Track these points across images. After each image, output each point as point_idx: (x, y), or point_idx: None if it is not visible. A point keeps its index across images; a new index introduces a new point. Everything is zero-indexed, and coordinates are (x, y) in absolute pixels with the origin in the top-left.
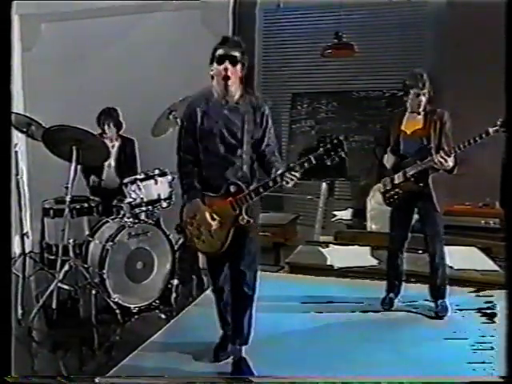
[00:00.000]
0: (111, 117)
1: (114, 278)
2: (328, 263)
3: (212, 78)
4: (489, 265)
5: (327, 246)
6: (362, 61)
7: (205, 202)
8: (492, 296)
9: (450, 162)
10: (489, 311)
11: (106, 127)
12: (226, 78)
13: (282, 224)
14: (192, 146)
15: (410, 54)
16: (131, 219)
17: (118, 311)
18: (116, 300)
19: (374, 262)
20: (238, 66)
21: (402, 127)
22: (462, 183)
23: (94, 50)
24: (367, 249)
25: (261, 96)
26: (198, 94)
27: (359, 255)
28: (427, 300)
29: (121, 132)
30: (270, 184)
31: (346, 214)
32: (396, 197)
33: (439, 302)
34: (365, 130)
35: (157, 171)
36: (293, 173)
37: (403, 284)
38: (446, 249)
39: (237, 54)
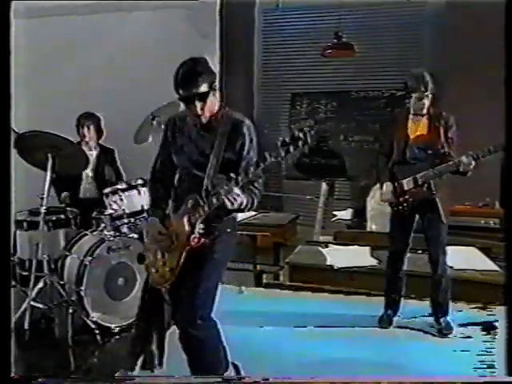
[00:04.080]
0: (92, 120)
1: (93, 296)
2: (328, 263)
3: None
4: (489, 265)
5: (327, 246)
6: (361, 61)
7: (168, 222)
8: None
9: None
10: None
11: (85, 129)
12: (199, 115)
13: (281, 224)
14: (164, 162)
15: (410, 53)
16: (112, 232)
17: (96, 331)
18: (95, 319)
19: (374, 261)
20: (210, 97)
21: (408, 132)
22: (462, 183)
23: (71, 51)
24: (367, 249)
25: (239, 115)
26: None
27: (359, 255)
28: (425, 316)
29: (101, 140)
30: (222, 194)
31: (345, 214)
32: (405, 204)
33: (442, 319)
34: (364, 130)
35: (140, 181)
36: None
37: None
38: (446, 249)
39: (204, 87)
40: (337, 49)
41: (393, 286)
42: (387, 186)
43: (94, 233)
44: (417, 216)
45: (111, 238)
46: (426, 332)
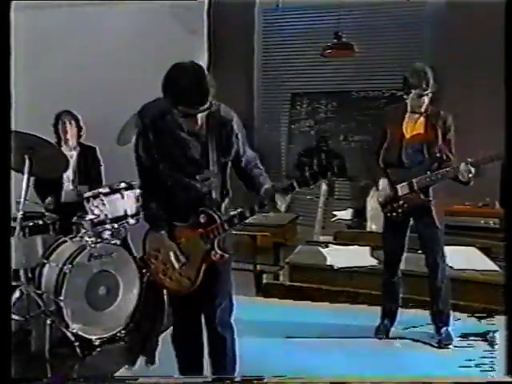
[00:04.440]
0: (72, 116)
1: (73, 306)
2: (328, 263)
3: None
4: (489, 265)
5: (327, 246)
6: (361, 61)
7: (174, 232)
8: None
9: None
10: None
11: (67, 125)
12: (197, 125)
13: (281, 224)
14: (150, 166)
15: (409, 53)
16: (93, 238)
17: (76, 344)
18: (75, 331)
19: (374, 261)
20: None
21: (404, 130)
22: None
23: (47, 45)
24: (367, 249)
25: (225, 110)
26: (153, 104)
27: (359, 255)
28: (423, 325)
29: (81, 139)
30: (247, 214)
31: (345, 214)
32: (400, 210)
33: (442, 329)
34: (364, 130)
35: (123, 184)
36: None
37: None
38: (446, 249)
39: (210, 102)
40: (336, 49)
41: (389, 294)
42: (384, 182)
43: (75, 239)
44: (411, 220)
45: (93, 245)
46: (425, 343)
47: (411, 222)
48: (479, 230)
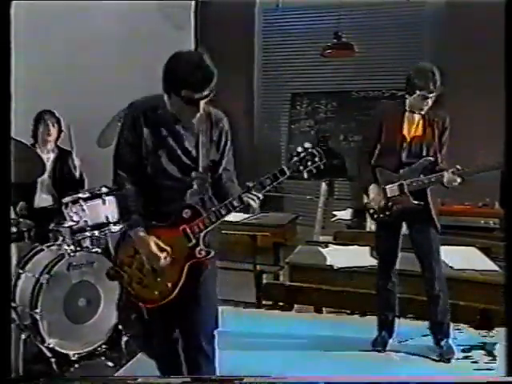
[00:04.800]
0: (55, 117)
1: (50, 319)
2: (328, 263)
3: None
4: (488, 265)
5: (327, 246)
6: (361, 61)
7: (151, 233)
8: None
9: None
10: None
11: (50, 126)
12: (198, 113)
13: (281, 224)
14: (134, 163)
15: (410, 53)
16: (72, 247)
17: (52, 360)
18: (51, 345)
19: (374, 262)
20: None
21: (404, 131)
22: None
23: (21, 38)
24: (367, 249)
25: (216, 110)
26: (143, 99)
27: (359, 255)
28: (425, 335)
29: (59, 142)
30: (235, 203)
31: (345, 214)
32: (388, 213)
33: (443, 342)
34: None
35: (104, 189)
36: (256, 192)
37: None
38: (446, 249)
39: (211, 87)
40: (336, 49)
41: (385, 301)
42: (374, 189)
43: (52, 247)
44: (404, 225)
45: (72, 254)
46: (425, 356)
47: (404, 227)
48: (479, 230)
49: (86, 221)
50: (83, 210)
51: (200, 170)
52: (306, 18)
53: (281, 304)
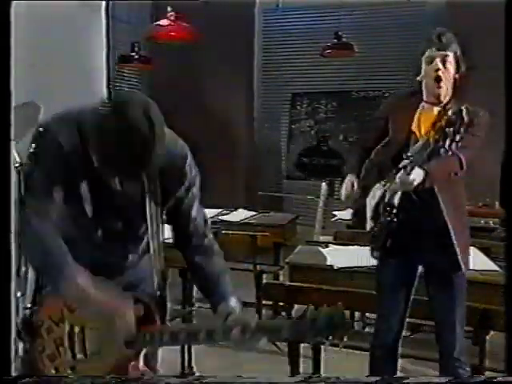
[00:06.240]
0: None
1: None
2: (328, 263)
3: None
4: (488, 265)
5: (327, 246)
6: (361, 61)
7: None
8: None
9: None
10: None
11: None
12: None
13: (281, 224)
14: (56, 205)
15: (410, 53)
16: None
17: None
18: None
19: (374, 262)
20: None
21: (413, 127)
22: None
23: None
24: (367, 249)
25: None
26: (86, 112)
27: (359, 255)
28: None
29: None
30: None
31: (345, 214)
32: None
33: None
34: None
35: None
36: None
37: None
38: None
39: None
40: (337, 49)
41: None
42: (377, 191)
43: None
44: (420, 267)
45: None
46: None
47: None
48: (479, 230)
49: None
50: None
51: (148, 221)
52: (306, 18)
53: (281, 304)
